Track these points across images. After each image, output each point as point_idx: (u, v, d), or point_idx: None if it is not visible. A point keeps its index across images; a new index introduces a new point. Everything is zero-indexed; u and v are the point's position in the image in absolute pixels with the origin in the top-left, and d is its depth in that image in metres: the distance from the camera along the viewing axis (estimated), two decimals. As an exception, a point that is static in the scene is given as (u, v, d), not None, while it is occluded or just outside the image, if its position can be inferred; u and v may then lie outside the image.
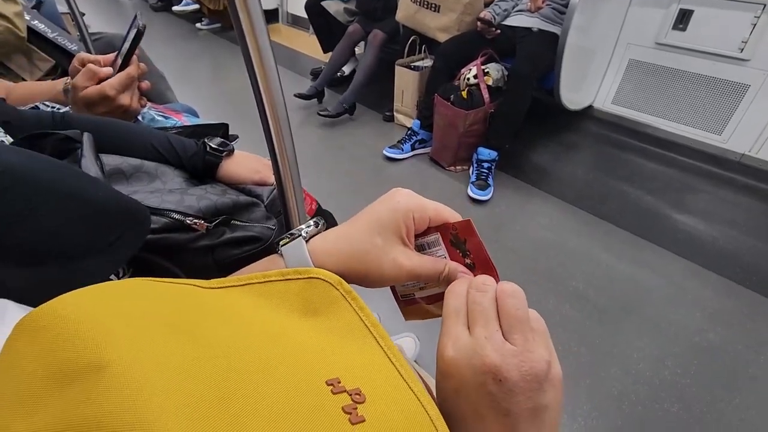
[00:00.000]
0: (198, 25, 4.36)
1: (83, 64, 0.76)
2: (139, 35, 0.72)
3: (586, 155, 2.37)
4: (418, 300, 0.38)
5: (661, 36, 2.17)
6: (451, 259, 0.35)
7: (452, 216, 0.35)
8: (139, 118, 0.91)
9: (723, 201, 1.97)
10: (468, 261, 0.34)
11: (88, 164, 0.53)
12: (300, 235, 0.35)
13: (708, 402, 1.21)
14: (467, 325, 0.30)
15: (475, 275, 0.34)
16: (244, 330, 0.27)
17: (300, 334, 0.28)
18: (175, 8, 4.60)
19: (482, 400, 0.27)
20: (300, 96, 2.73)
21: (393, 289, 0.39)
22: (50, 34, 1.28)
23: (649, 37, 2.22)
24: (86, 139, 0.57)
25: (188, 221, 0.56)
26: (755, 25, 1.87)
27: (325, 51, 3.11)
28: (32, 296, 0.28)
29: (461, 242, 0.34)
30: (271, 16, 4.36)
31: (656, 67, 2.25)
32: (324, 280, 0.31)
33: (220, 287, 0.32)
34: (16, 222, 0.38)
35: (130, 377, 0.19)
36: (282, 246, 0.35)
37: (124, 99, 0.73)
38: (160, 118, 0.90)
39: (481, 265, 0.34)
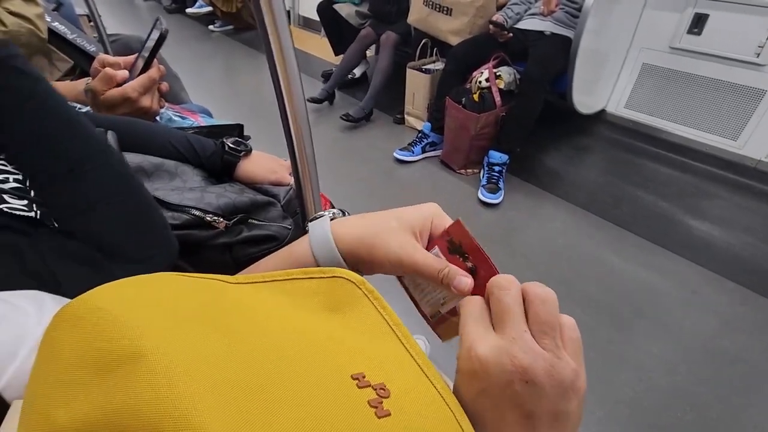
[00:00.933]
0: (211, 27, 4.41)
1: (104, 66, 0.78)
2: (161, 39, 0.73)
3: (598, 160, 2.35)
4: (446, 316, 0.38)
5: (676, 40, 2.15)
6: (457, 266, 0.35)
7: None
8: (157, 118, 0.93)
9: (738, 207, 1.94)
10: (469, 264, 0.34)
11: None
12: (326, 215, 0.39)
13: (721, 410, 1.19)
14: (491, 325, 0.30)
15: (476, 277, 0.34)
16: (271, 324, 0.27)
17: (324, 330, 0.28)
18: (188, 10, 4.67)
19: (507, 400, 0.27)
20: (312, 100, 2.75)
21: (422, 314, 0.40)
22: (70, 36, 1.31)
23: (663, 41, 2.20)
24: (111, 137, 0.58)
25: (208, 218, 0.57)
26: (773, 29, 1.85)
27: (336, 54, 3.13)
28: (71, 289, 0.29)
29: (458, 246, 0.35)
30: (283, 18, 4.39)
31: (670, 72, 2.23)
32: (347, 279, 0.32)
33: (246, 283, 0.32)
34: (90, 209, 0.39)
35: (166, 366, 0.20)
36: (309, 222, 0.38)
37: (146, 101, 0.75)
38: (177, 119, 0.92)
39: (481, 264, 0.34)
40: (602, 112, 2.54)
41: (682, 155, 2.26)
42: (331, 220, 0.38)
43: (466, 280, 0.34)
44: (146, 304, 0.24)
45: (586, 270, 1.65)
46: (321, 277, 0.32)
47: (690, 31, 2.08)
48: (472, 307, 0.31)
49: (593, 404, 1.20)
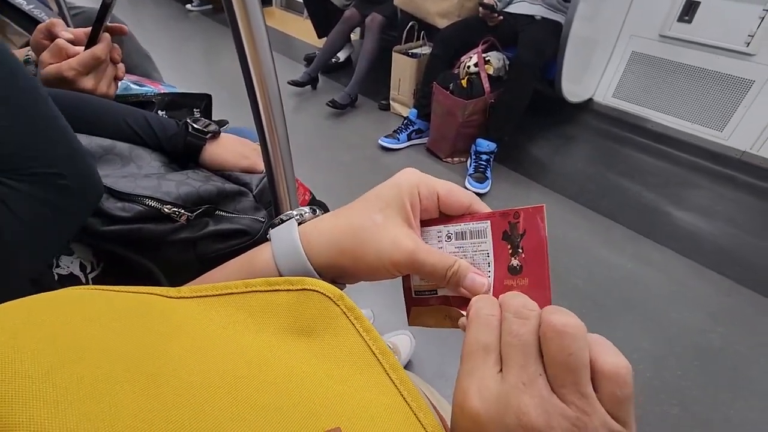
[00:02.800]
0: (188, 6, 4.21)
1: (49, 36, 0.68)
2: (104, 8, 0.62)
3: (585, 149, 2.33)
4: (433, 301, 0.30)
5: (666, 28, 2.11)
6: (495, 258, 0.28)
7: (466, 197, 0.29)
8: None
9: (723, 198, 1.94)
10: (515, 262, 0.27)
11: None
12: (292, 217, 0.30)
13: (709, 404, 1.18)
14: (499, 364, 0.22)
15: (515, 283, 0.26)
16: (220, 358, 0.21)
17: (290, 362, 0.22)
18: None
19: None
20: (294, 83, 2.64)
21: (405, 280, 0.31)
22: (26, 6, 1.19)
23: (653, 29, 2.16)
24: None
25: (166, 209, 0.49)
26: (763, 18, 1.83)
27: (320, 36, 3.02)
28: None
29: (518, 235, 0.27)
30: (264, -1, 4.23)
31: (659, 60, 2.20)
32: (321, 292, 0.25)
33: (192, 297, 0.25)
34: None
35: None
36: (271, 229, 0.30)
37: (87, 83, 0.63)
38: (135, 87, 0.83)
39: (533, 271, 0.26)
40: (590, 101, 2.50)
41: (668, 145, 2.25)
42: (300, 224, 0.30)
43: (482, 281, 0.27)
44: (32, 347, 0.17)
45: (572, 261, 1.62)
46: (289, 290, 0.25)
47: (680, 19, 2.05)
48: (482, 334, 0.23)
49: (581, 399, 1.18)
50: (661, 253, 1.67)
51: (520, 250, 0.27)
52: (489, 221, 0.28)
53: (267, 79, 0.44)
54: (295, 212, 0.31)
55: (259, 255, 0.30)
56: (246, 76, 0.43)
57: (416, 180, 0.28)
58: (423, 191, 0.28)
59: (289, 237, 0.29)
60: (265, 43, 0.41)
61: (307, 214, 0.31)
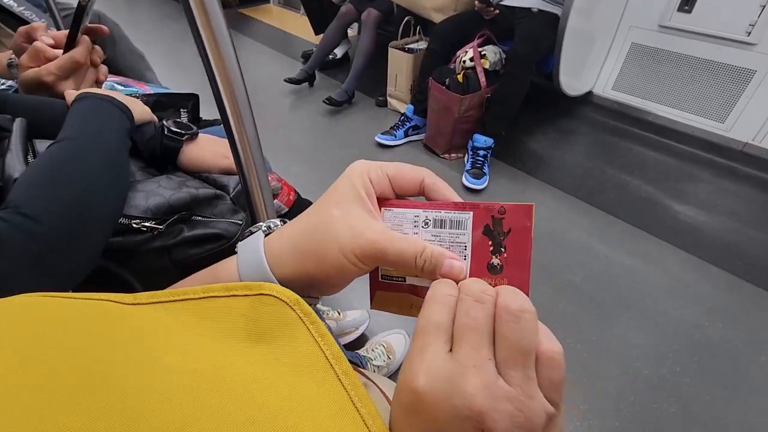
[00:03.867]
0: (186, 4, 4.20)
1: (29, 40, 0.67)
2: (81, 10, 0.61)
3: (584, 143, 2.30)
4: (399, 288, 0.29)
5: (666, 18, 2.08)
6: (473, 252, 0.26)
7: (414, 173, 0.28)
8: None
9: (725, 191, 1.91)
10: (496, 260, 0.26)
11: (14, 159, 0.45)
12: (260, 229, 0.30)
13: (707, 402, 1.17)
14: (449, 343, 0.22)
15: (493, 283, 0.25)
16: (167, 365, 0.20)
17: (243, 368, 0.22)
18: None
19: None
20: (290, 81, 2.62)
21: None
22: (16, 8, 1.19)
23: (652, 19, 2.13)
24: (17, 127, 0.49)
25: (134, 224, 0.48)
26: (764, 7, 1.79)
27: (316, 33, 2.99)
28: None
29: (501, 233, 0.26)
30: (261, -4, 4.21)
31: (659, 51, 2.17)
32: (278, 297, 0.24)
33: (149, 303, 0.25)
34: None
35: None
36: (239, 243, 0.30)
37: (66, 86, 0.62)
38: (120, 88, 0.82)
39: (513, 270, 0.25)
40: (589, 93, 2.47)
41: (668, 138, 2.21)
42: (267, 235, 0.29)
43: (461, 265, 0.25)
44: None
45: (570, 257, 1.60)
46: (245, 295, 0.25)
47: (680, 9, 2.01)
48: (437, 314, 0.23)
49: (577, 398, 1.16)
50: (660, 248, 1.65)
51: (503, 249, 0.26)
52: (471, 212, 0.26)
53: (233, 80, 0.43)
54: (264, 224, 0.30)
55: (224, 266, 0.29)
56: (210, 78, 0.42)
57: (365, 167, 0.28)
58: (373, 176, 0.28)
59: (253, 248, 0.28)
60: (228, 43, 0.40)
61: (276, 226, 0.30)
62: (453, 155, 2.15)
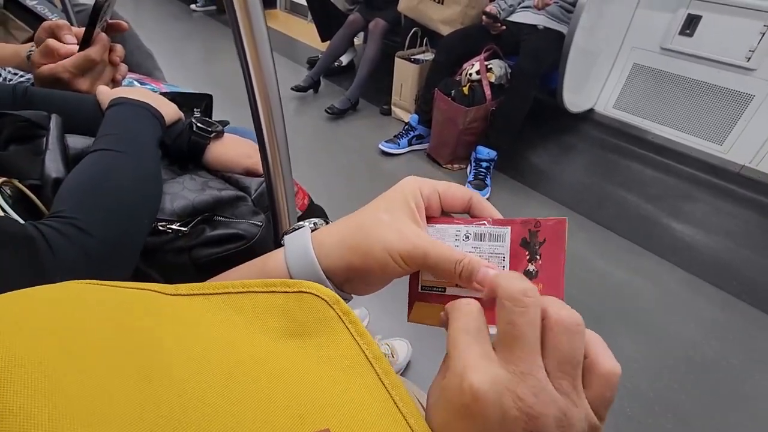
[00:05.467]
0: (192, 6, 4.23)
1: (51, 34, 0.68)
2: (98, 8, 0.61)
3: (585, 159, 2.33)
4: (439, 299, 0.30)
5: (667, 41, 2.12)
6: (511, 261, 0.28)
7: (462, 191, 0.30)
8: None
9: (721, 212, 1.94)
10: (532, 267, 0.27)
11: (54, 159, 0.46)
12: (305, 225, 0.32)
13: (704, 418, 1.18)
14: (491, 347, 0.23)
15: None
16: (213, 355, 0.21)
17: (283, 363, 0.22)
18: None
19: None
20: (296, 88, 2.64)
21: (413, 275, 0.31)
22: (29, 2, 1.19)
23: (654, 41, 2.17)
24: (54, 125, 0.50)
25: (160, 226, 0.49)
26: (764, 34, 1.84)
27: (323, 39, 3.02)
28: None
29: (537, 242, 0.27)
30: (268, 1, 4.24)
31: (660, 73, 2.21)
32: (317, 295, 0.25)
33: (190, 294, 0.25)
34: None
35: None
36: (285, 236, 0.32)
37: (82, 84, 0.63)
38: (137, 84, 0.83)
39: (547, 277, 0.27)
40: (590, 111, 2.51)
41: (667, 158, 2.25)
42: (313, 231, 0.31)
43: (494, 272, 0.26)
44: (25, 336, 0.17)
45: (567, 270, 1.56)
46: (285, 292, 0.26)
47: (682, 32, 2.06)
48: (467, 319, 0.23)
49: (575, 411, 1.17)
50: (657, 264, 1.67)
51: (538, 257, 0.27)
52: (509, 227, 0.28)
53: (268, 83, 0.44)
54: (307, 222, 0.32)
55: (272, 258, 0.31)
56: (247, 81, 0.43)
57: (418, 183, 0.30)
58: (425, 191, 0.30)
59: (300, 241, 0.30)
60: (267, 47, 0.41)
61: (320, 224, 0.32)
62: (456, 166, 2.17)
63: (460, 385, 0.21)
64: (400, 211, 0.29)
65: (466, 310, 0.24)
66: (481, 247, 0.29)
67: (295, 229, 0.31)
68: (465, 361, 0.22)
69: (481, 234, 0.29)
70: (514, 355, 0.21)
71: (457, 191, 0.31)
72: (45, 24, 0.70)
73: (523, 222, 0.28)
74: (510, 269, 0.28)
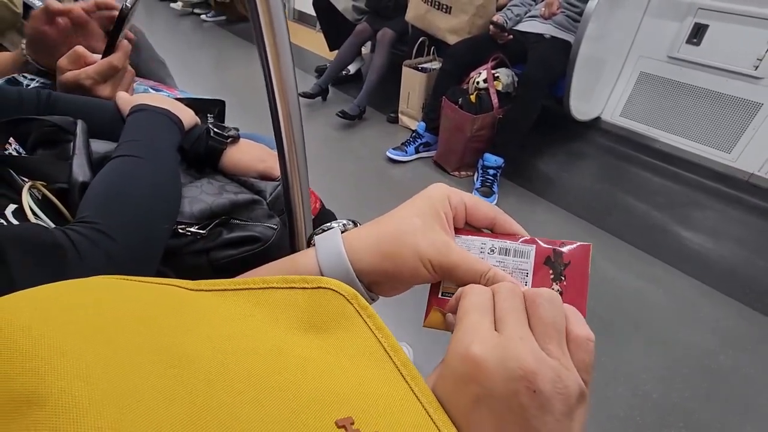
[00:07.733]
0: (203, 16, 4.30)
1: (49, 20, 0.67)
2: (122, 17, 0.63)
3: (592, 167, 2.33)
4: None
5: (674, 50, 2.13)
6: (534, 278, 0.29)
7: (489, 207, 0.32)
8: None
9: (731, 220, 1.93)
10: (556, 287, 0.29)
11: (81, 164, 0.47)
12: (335, 226, 0.32)
13: (717, 428, 1.16)
14: (494, 324, 0.25)
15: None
16: (233, 348, 0.21)
17: (305, 355, 0.23)
18: (172, 6, 4.54)
19: (510, 413, 0.21)
20: (304, 95, 2.67)
21: (434, 284, 0.32)
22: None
23: (661, 50, 2.18)
24: (80, 130, 0.51)
25: (180, 229, 0.50)
26: (772, 42, 1.84)
27: (331, 49, 3.06)
28: None
29: (562, 263, 0.29)
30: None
31: (667, 81, 2.21)
32: (336, 291, 0.26)
33: (211, 290, 0.26)
34: None
35: (72, 418, 0.14)
36: (316, 236, 0.32)
37: (104, 91, 0.64)
38: (152, 91, 0.85)
39: (572, 298, 0.28)
40: (598, 119, 2.52)
41: (675, 165, 2.25)
42: (343, 232, 0.32)
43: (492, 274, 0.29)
44: (62, 324, 0.18)
45: None
46: (304, 288, 0.26)
47: (689, 41, 2.07)
48: (478, 298, 0.26)
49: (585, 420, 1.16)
50: (668, 272, 1.66)
51: (563, 278, 0.29)
52: (534, 246, 0.30)
53: (288, 90, 0.45)
54: (336, 223, 0.33)
55: (304, 256, 0.32)
56: (269, 86, 0.44)
57: (446, 191, 0.31)
58: (453, 201, 0.31)
59: (332, 242, 0.30)
60: (288, 56, 0.43)
61: (349, 225, 0.33)
62: (463, 173, 2.18)
63: (465, 354, 0.23)
64: (431, 218, 0.30)
65: (478, 290, 0.27)
66: (505, 261, 0.30)
67: (324, 230, 0.32)
68: (470, 331, 0.24)
69: (506, 249, 0.30)
70: (511, 324, 0.24)
71: (483, 207, 0.32)
72: (35, 12, 0.69)
73: (548, 242, 0.30)
74: (533, 285, 0.29)
